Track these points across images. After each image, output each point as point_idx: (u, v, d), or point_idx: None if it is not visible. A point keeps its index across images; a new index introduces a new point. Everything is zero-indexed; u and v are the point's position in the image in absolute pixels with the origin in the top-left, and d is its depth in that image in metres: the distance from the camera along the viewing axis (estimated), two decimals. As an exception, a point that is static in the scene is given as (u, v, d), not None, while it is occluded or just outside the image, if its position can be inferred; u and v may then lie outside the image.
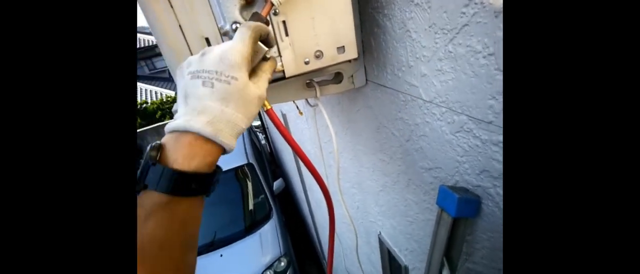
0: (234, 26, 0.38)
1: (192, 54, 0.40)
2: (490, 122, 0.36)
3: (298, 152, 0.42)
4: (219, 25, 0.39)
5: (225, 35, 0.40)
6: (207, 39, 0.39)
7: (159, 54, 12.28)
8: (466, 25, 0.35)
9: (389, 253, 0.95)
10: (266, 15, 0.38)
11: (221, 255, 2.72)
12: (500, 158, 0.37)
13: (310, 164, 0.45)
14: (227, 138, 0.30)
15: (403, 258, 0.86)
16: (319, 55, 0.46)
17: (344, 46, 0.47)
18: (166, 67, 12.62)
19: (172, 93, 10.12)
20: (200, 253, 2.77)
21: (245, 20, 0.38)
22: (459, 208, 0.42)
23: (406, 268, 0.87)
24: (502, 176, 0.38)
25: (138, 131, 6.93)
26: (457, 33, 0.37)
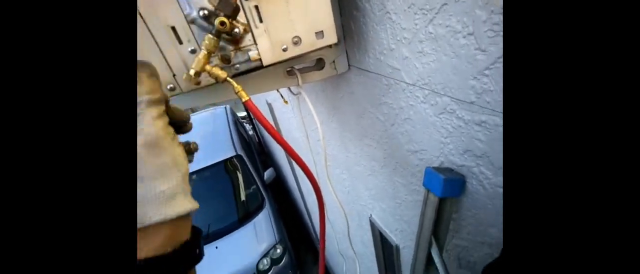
0: (201, 13, 0.35)
1: (158, 45, 0.37)
2: (472, 103, 0.36)
3: (279, 141, 0.41)
4: (186, 13, 0.36)
5: (193, 23, 0.37)
6: (173, 28, 0.36)
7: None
8: (445, 4, 0.34)
9: (381, 234, 0.97)
10: (236, 1, 0.35)
11: (216, 247, 2.74)
12: (483, 137, 0.37)
13: (294, 153, 0.44)
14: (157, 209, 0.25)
15: (394, 237, 0.89)
16: (296, 41, 0.44)
17: (322, 31, 0.45)
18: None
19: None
20: (195, 247, 2.77)
21: (214, 6, 0.35)
22: (444, 188, 0.42)
23: (397, 247, 0.89)
24: (485, 155, 0.38)
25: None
26: (437, 13, 0.36)
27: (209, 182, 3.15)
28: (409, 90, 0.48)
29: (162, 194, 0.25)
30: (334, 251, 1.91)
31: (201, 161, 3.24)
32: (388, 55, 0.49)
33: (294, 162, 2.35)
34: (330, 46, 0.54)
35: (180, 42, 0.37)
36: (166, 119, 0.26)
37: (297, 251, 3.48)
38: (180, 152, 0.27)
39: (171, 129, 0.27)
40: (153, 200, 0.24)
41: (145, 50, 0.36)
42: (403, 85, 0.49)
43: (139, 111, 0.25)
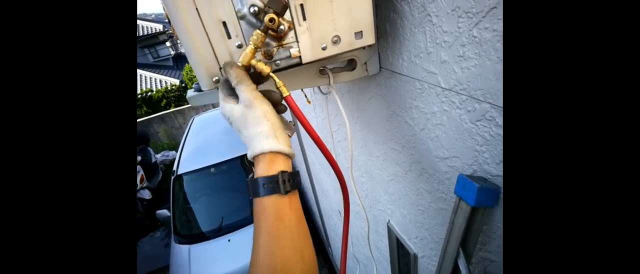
0: (251, 10, 0.37)
1: (209, 39, 0.39)
2: (515, 110, 0.35)
3: (317, 141, 0.42)
4: (237, 9, 0.37)
5: (242, 19, 0.39)
6: (224, 23, 0.38)
7: (163, 42, 12.20)
8: (494, 7, 0.33)
9: (398, 240, 0.96)
10: (285, -1, 0.37)
11: (229, 240, 2.79)
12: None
13: (328, 153, 0.45)
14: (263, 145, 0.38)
15: (412, 246, 0.87)
16: (336, 40, 0.45)
17: (361, 31, 0.45)
18: (170, 55, 12.57)
19: (176, 81, 10.11)
20: (208, 239, 2.85)
21: (264, 3, 0.37)
22: (478, 197, 0.41)
23: (415, 256, 0.88)
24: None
25: (144, 118, 6.99)
26: (484, 16, 0.35)
27: (226, 176, 3.23)
28: (444, 95, 0.47)
29: (261, 134, 0.37)
30: (348, 254, 1.89)
31: (220, 155, 3.33)
32: (424, 59, 0.49)
33: (309, 163, 2.35)
34: (364, 47, 0.54)
35: (229, 37, 0.39)
36: (254, 88, 0.39)
37: (306, 252, 3.48)
38: (268, 110, 0.39)
39: (260, 95, 0.39)
40: (256, 137, 0.37)
41: (196, 42, 0.38)
42: (438, 89, 0.48)
43: (237, 89, 0.39)
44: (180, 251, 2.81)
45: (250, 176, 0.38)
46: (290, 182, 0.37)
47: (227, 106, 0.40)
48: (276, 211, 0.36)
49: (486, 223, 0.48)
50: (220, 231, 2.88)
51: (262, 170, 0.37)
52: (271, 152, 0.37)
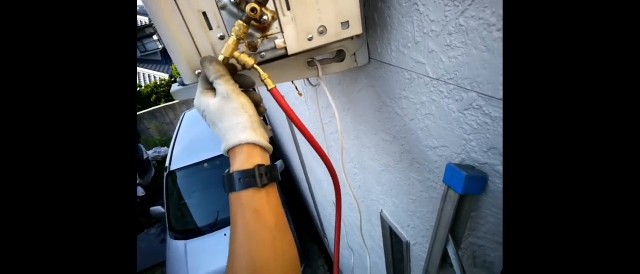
0: (232, 0, 0.36)
1: (190, 31, 0.38)
2: (501, 99, 0.35)
3: (304, 133, 0.42)
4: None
5: (223, 9, 0.37)
6: (204, 14, 0.37)
7: (150, 36, 11.83)
8: (480, -5, 0.33)
9: (391, 229, 0.97)
10: (267, -12, 0.36)
11: (225, 234, 2.80)
12: (510, 135, 0.37)
13: (317, 145, 0.44)
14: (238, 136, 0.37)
15: (405, 234, 0.89)
16: (322, 31, 0.44)
17: (348, 21, 0.44)
18: (157, 49, 12.23)
19: (165, 76, 9.88)
20: (204, 233, 2.85)
21: (245, -8, 0.36)
22: (466, 185, 0.42)
23: (408, 244, 0.89)
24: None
25: (134, 115, 6.83)
26: (470, 5, 0.35)
27: (220, 171, 3.21)
28: (433, 85, 0.47)
29: (238, 125, 0.36)
30: (342, 244, 1.92)
31: (213, 150, 3.30)
32: (412, 49, 0.48)
33: (304, 155, 2.35)
34: (352, 38, 0.54)
35: (211, 28, 0.38)
36: (233, 82, 0.38)
37: (303, 242, 3.52)
38: (246, 103, 0.38)
39: (237, 88, 0.38)
40: (233, 128, 0.36)
41: (177, 35, 0.37)
42: (426, 79, 0.48)
43: (215, 84, 0.37)
44: (177, 246, 2.81)
45: (227, 171, 0.37)
46: (267, 175, 0.36)
47: (204, 99, 0.38)
48: (254, 206, 0.35)
49: (474, 210, 0.49)
50: (216, 225, 2.88)
51: (239, 164, 0.36)
52: (248, 144, 0.36)
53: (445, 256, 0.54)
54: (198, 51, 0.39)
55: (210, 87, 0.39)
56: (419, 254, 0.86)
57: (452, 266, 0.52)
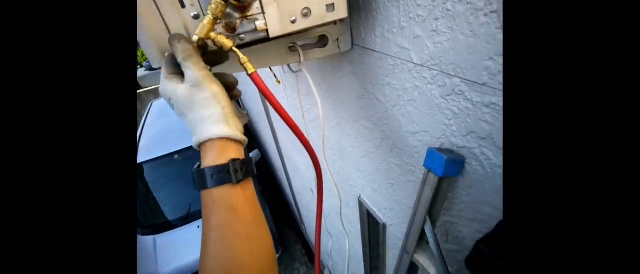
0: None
1: (159, 8, 0.34)
2: (484, 84, 0.36)
3: (288, 121, 0.40)
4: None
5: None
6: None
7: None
8: (467, -20, 0.33)
9: (368, 213, 1.00)
10: (247, -38, 0.32)
11: (198, 226, 2.72)
12: (490, 119, 0.38)
13: (300, 132, 0.43)
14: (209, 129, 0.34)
15: (382, 216, 0.92)
16: (306, 13, 0.41)
17: (333, 3, 0.43)
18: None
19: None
20: (175, 227, 2.75)
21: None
22: (446, 168, 0.44)
23: (384, 225, 0.93)
24: (489, 137, 0.40)
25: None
26: (457, -10, 0.35)
27: (193, 162, 3.06)
28: (416, 71, 0.48)
29: (210, 118, 0.33)
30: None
31: (185, 140, 3.12)
32: (397, 34, 0.48)
33: (281, 143, 2.32)
34: (335, 22, 0.52)
35: (183, 6, 0.34)
36: (203, 65, 0.34)
37: (280, 229, 3.54)
38: (218, 91, 0.34)
39: (210, 73, 0.35)
40: (204, 121, 0.33)
41: (143, 13, 0.32)
42: (410, 65, 0.48)
43: (183, 66, 0.34)
44: (145, 242, 2.69)
45: (196, 166, 0.34)
46: (242, 170, 0.34)
47: (170, 84, 0.34)
48: (228, 203, 0.33)
49: (450, 191, 0.52)
50: (188, 218, 2.78)
51: (211, 159, 0.33)
52: (221, 138, 0.33)
53: (422, 235, 0.57)
54: (168, 31, 0.35)
55: (178, 71, 0.35)
56: (394, 234, 0.90)
57: (428, 243, 0.55)
